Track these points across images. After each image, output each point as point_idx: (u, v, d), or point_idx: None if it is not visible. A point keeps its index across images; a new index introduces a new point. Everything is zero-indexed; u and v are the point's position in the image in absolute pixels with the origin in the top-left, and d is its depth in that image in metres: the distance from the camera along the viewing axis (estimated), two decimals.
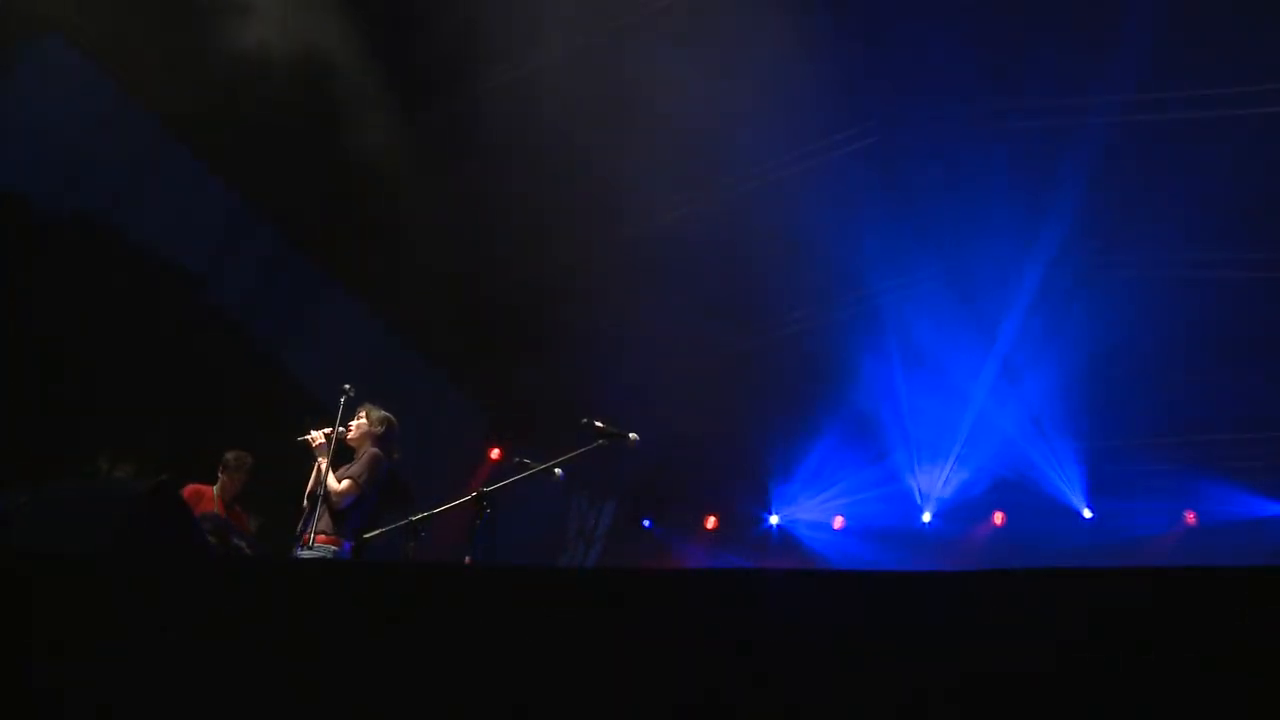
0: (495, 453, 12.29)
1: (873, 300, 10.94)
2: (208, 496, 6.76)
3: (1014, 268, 10.07)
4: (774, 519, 13.51)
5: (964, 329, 10.69)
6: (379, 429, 5.69)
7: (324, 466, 5.35)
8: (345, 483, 5.36)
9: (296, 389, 9.35)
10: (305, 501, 5.40)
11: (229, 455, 6.92)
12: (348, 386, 5.39)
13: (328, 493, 5.27)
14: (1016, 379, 11.10)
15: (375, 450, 5.57)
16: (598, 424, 5.14)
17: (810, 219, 9.36)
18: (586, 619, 2.26)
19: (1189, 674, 1.79)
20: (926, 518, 12.51)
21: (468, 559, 5.02)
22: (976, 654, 1.93)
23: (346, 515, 5.36)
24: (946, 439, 11.86)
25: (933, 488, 12.34)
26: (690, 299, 10.13)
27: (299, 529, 5.28)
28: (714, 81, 8.03)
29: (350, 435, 5.62)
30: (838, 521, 13.16)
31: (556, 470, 5.27)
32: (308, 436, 5.42)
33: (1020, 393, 11.21)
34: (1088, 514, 11.53)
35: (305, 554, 5.11)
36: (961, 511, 12.39)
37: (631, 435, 5.13)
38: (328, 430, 5.39)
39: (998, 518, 12.18)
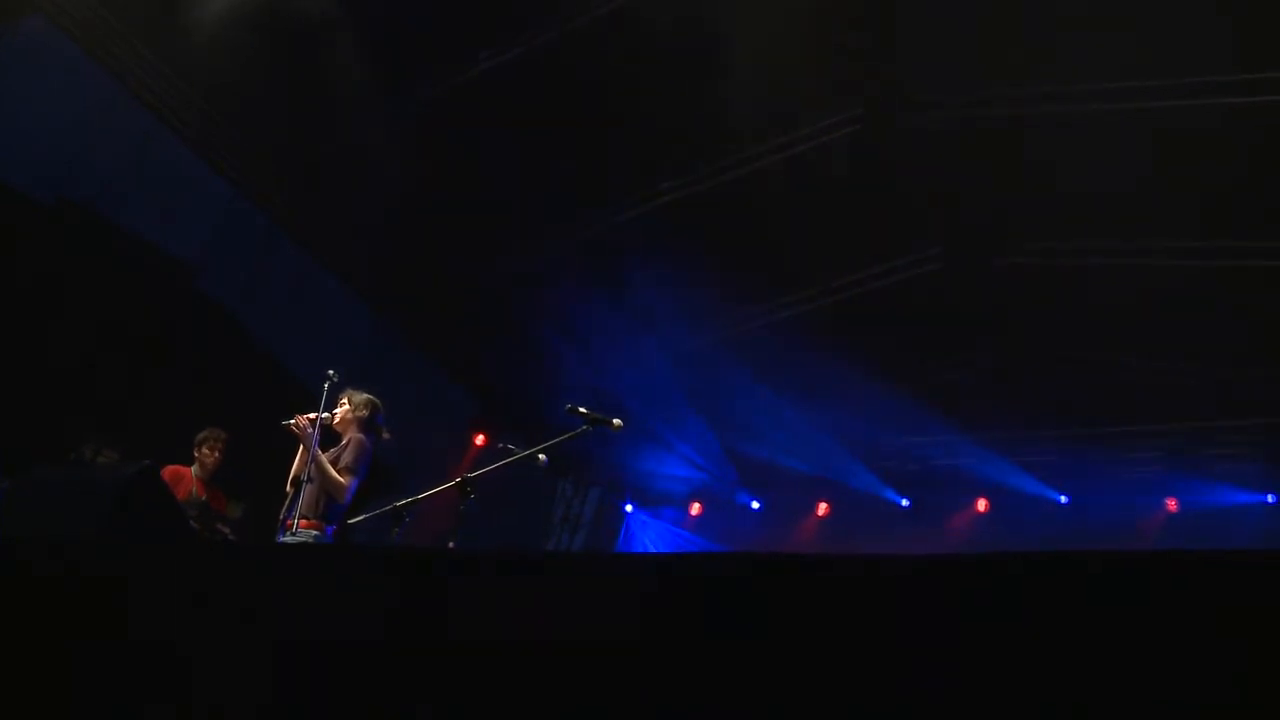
0: (480, 438, 12.29)
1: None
2: (187, 477, 6.81)
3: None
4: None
5: None
6: (363, 413, 5.68)
7: (310, 453, 5.35)
8: (346, 477, 5.35)
9: (288, 377, 9.29)
10: (289, 487, 5.42)
11: (202, 433, 6.98)
12: (331, 373, 5.40)
13: (327, 483, 5.28)
14: None
15: (360, 436, 5.58)
16: (582, 410, 5.17)
17: None
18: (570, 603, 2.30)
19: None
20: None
21: (451, 544, 5.06)
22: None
23: (339, 503, 5.37)
24: None
25: None
26: None
27: (282, 514, 5.30)
28: None
29: (335, 421, 5.63)
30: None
31: (541, 456, 5.31)
32: (291, 423, 5.42)
33: None
34: (1063, 499, 11.60)
35: (289, 539, 5.13)
36: None
37: (615, 420, 5.16)
38: (311, 416, 5.39)
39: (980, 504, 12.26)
